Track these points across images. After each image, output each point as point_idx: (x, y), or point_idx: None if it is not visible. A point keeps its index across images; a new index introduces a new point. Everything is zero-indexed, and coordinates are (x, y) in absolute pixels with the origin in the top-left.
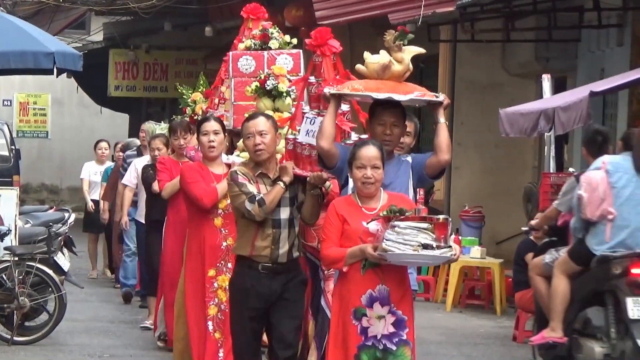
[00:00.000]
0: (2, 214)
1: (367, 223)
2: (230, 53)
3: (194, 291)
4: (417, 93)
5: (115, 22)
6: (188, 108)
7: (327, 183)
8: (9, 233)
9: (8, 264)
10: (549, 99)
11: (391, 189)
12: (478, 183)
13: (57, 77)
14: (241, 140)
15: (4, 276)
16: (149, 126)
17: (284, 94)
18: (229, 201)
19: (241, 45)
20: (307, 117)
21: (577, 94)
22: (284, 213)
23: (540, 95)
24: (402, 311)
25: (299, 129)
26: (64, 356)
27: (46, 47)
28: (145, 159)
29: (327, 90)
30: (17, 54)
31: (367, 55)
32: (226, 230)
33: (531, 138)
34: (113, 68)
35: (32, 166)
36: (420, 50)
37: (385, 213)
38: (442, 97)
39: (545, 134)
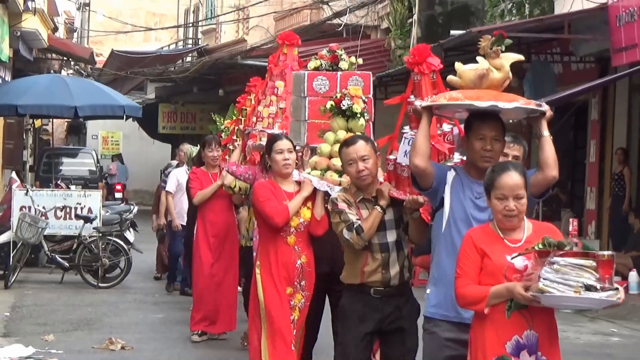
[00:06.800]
0: (92, 206)
1: (512, 258)
2: (306, 73)
3: (275, 304)
4: (521, 101)
5: (163, 86)
6: (223, 133)
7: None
8: (95, 218)
9: (95, 238)
10: None
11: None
12: None
13: (125, 120)
14: (314, 156)
15: (92, 245)
16: (187, 147)
17: (358, 115)
18: (301, 220)
19: (311, 65)
20: (405, 138)
21: None
22: (391, 236)
23: None
24: None
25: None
26: (131, 296)
27: (119, 102)
28: (183, 169)
29: (419, 103)
30: (101, 106)
31: (459, 65)
32: (299, 248)
33: None
34: (161, 115)
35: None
36: (519, 57)
37: (540, 246)
38: (545, 106)
39: None
